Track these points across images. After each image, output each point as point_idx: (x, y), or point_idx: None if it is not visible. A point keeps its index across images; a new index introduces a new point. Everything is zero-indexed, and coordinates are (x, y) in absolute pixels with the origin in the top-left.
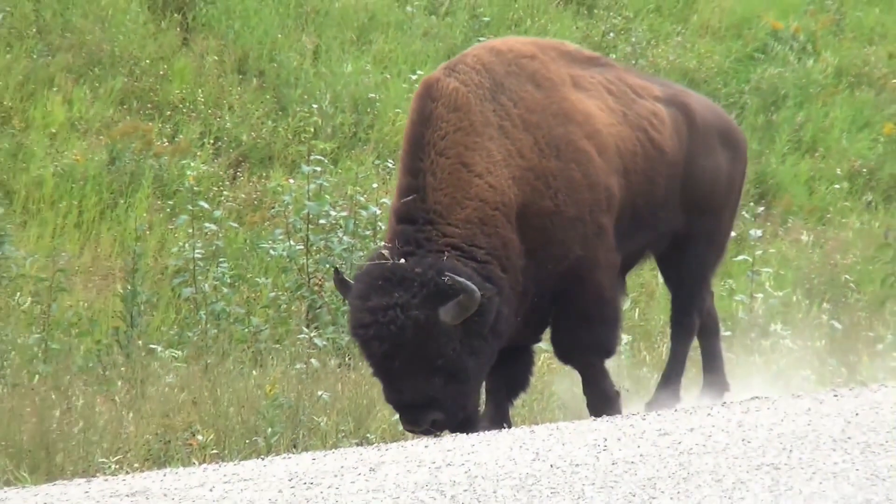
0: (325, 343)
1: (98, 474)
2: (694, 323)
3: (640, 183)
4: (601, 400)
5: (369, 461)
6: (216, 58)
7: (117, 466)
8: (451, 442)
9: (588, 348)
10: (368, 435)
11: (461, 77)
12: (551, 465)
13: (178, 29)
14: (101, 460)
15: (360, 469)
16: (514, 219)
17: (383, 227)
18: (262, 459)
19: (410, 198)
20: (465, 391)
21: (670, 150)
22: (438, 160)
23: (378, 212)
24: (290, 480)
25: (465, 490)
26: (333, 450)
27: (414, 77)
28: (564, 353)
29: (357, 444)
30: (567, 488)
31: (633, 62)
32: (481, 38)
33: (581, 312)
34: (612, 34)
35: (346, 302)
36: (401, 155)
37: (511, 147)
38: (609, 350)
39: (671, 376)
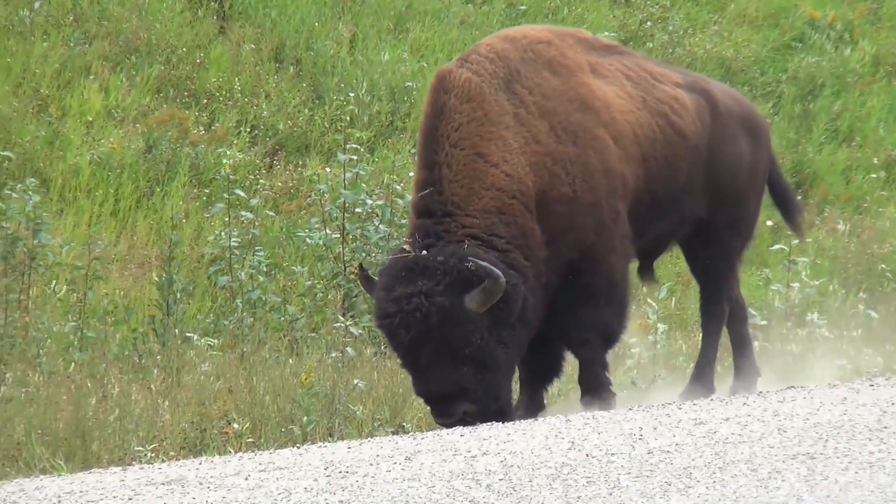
0: (360, 332)
1: (134, 462)
2: (723, 311)
3: (659, 169)
4: (593, 385)
5: (405, 450)
6: (253, 46)
7: (153, 455)
8: (487, 431)
9: (589, 328)
10: (404, 423)
11: (474, 67)
12: (587, 455)
13: (215, 17)
14: (136, 448)
15: (396, 458)
16: (533, 207)
17: None
18: (298, 448)
19: (427, 191)
20: (496, 381)
21: (692, 135)
22: (453, 152)
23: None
24: (325, 469)
25: (501, 479)
26: (369, 438)
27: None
28: (564, 332)
29: (393, 433)
30: (603, 477)
31: (670, 51)
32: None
33: (588, 293)
34: (648, 23)
35: (371, 297)
36: (417, 149)
37: (527, 134)
38: (611, 335)
39: (704, 365)
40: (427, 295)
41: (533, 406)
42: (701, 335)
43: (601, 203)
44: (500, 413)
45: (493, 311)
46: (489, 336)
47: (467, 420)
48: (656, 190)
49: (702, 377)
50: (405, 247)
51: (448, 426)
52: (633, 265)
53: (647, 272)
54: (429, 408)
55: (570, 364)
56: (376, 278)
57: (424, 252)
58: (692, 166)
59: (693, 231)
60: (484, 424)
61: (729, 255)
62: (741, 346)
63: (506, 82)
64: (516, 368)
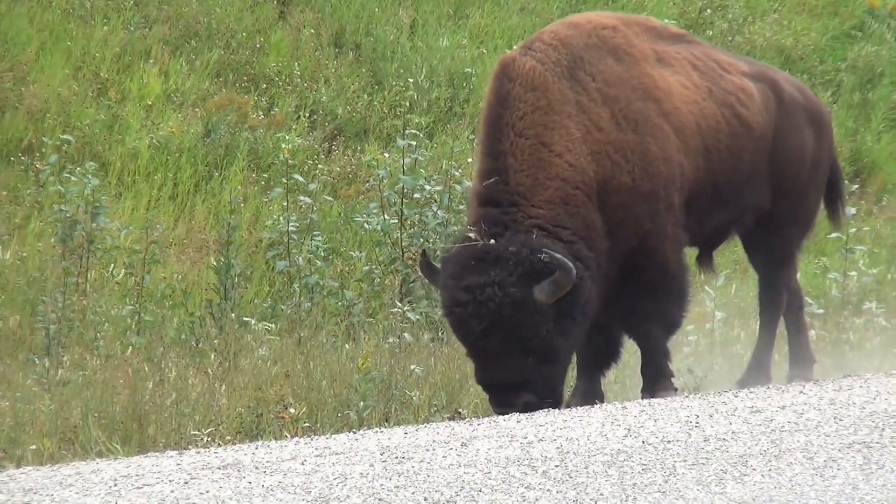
0: (418, 317)
1: (190, 446)
2: (782, 299)
3: (722, 160)
4: (655, 375)
5: (461, 436)
6: (312, 31)
7: (209, 439)
8: (544, 417)
9: (649, 319)
10: (460, 409)
11: (538, 55)
12: (643, 442)
13: (275, 2)
14: (193, 432)
15: (452, 444)
16: (594, 197)
17: None
18: (354, 433)
19: (492, 180)
20: (556, 373)
21: (758, 126)
22: (518, 141)
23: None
24: (381, 454)
25: (557, 465)
26: (425, 424)
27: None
28: (627, 323)
29: (449, 419)
30: (659, 465)
31: (730, 39)
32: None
33: (646, 285)
34: (708, 10)
35: (433, 285)
36: (480, 137)
37: (588, 122)
38: (671, 323)
39: (762, 354)
40: (500, 285)
41: (590, 392)
42: (759, 323)
43: (658, 192)
44: (555, 405)
45: (559, 302)
46: (554, 328)
47: (525, 410)
48: (718, 181)
49: (759, 365)
50: (471, 235)
51: (506, 414)
52: (692, 254)
53: (706, 261)
54: (489, 397)
55: (627, 350)
56: (438, 266)
57: (493, 241)
58: (756, 157)
59: (754, 221)
60: (540, 411)
61: (789, 245)
62: (797, 333)
63: (569, 70)
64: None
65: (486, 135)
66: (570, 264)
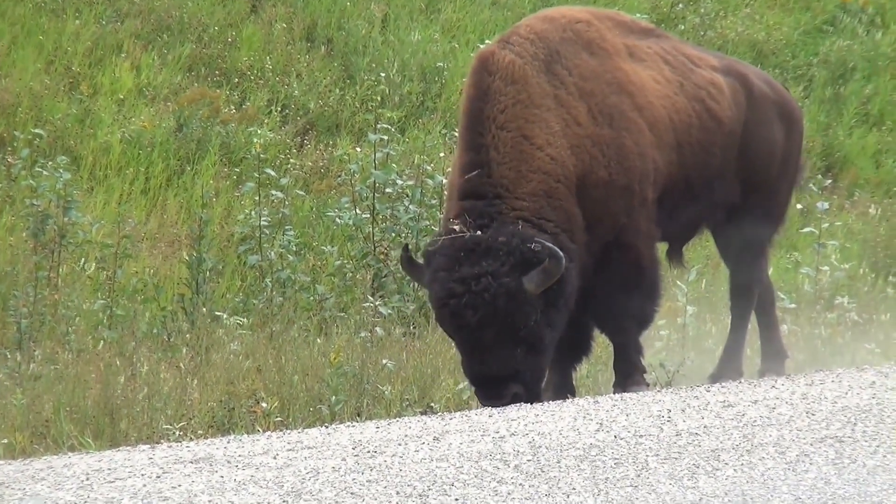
0: (390, 311)
1: (162, 441)
2: (753, 294)
3: (694, 155)
4: (628, 370)
5: (433, 430)
6: (284, 25)
7: (181, 433)
8: (516, 412)
9: (623, 314)
10: (432, 404)
11: (516, 49)
12: (615, 436)
13: None
14: (165, 427)
15: (424, 438)
16: (574, 191)
17: None
18: (327, 427)
19: (475, 173)
20: (542, 364)
21: (728, 121)
22: (500, 134)
23: (444, 181)
24: (353, 449)
25: (529, 460)
26: (397, 419)
27: (482, 46)
28: (600, 318)
29: (421, 413)
30: (631, 459)
31: (702, 34)
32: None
33: (619, 280)
34: (680, 5)
35: (415, 279)
36: (460, 131)
37: (567, 116)
38: (644, 319)
39: (733, 348)
40: (494, 276)
41: (562, 387)
42: (730, 318)
43: (633, 186)
44: (538, 398)
45: (547, 292)
46: (541, 318)
47: (512, 402)
48: (690, 176)
49: (731, 360)
50: (455, 227)
51: (493, 406)
52: (663, 248)
53: (676, 256)
54: (476, 390)
55: (599, 344)
56: (420, 261)
57: (479, 233)
58: (726, 152)
59: (725, 216)
60: (512, 406)
61: (760, 240)
62: (769, 328)
63: (546, 64)
64: None
65: (467, 129)
66: (560, 253)
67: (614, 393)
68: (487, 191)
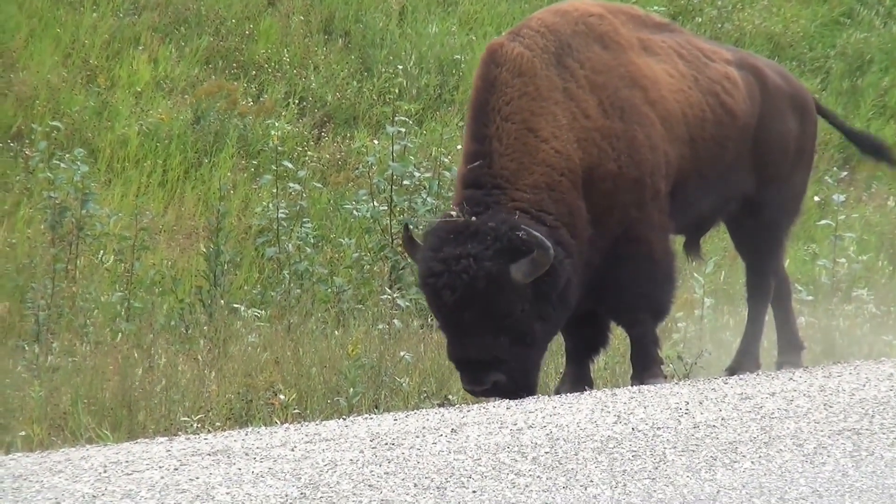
0: (407, 304)
1: (180, 433)
2: (770, 286)
3: (707, 149)
4: (645, 362)
5: (451, 422)
6: (302, 18)
7: (199, 425)
8: (534, 404)
9: (637, 307)
10: (450, 396)
11: (525, 42)
12: (633, 429)
13: None
14: (182, 419)
15: (442, 430)
16: (579, 185)
17: None
18: (344, 419)
19: (477, 164)
20: (530, 356)
21: (742, 114)
22: (504, 126)
23: None
24: (371, 441)
25: (547, 452)
26: (415, 411)
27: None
28: (614, 311)
29: (439, 406)
30: (649, 451)
31: (719, 26)
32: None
33: (632, 272)
34: None
35: (413, 259)
36: (466, 121)
37: (576, 109)
38: (659, 310)
39: (751, 340)
40: (476, 258)
41: (580, 379)
42: (747, 310)
43: (645, 179)
44: (528, 391)
45: (538, 284)
46: (530, 309)
47: (497, 391)
48: (703, 169)
49: (748, 352)
50: (452, 213)
51: (476, 395)
52: (679, 240)
53: (693, 247)
54: (459, 375)
55: (617, 336)
56: (421, 242)
57: (474, 218)
58: (740, 145)
59: (740, 208)
60: (531, 398)
61: (776, 232)
62: (785, 321)
63: (557, 56)
64: (563, 342)
65: (472, 119)
66: (548, 243)
67: (632, 385)
68: (487, 181)
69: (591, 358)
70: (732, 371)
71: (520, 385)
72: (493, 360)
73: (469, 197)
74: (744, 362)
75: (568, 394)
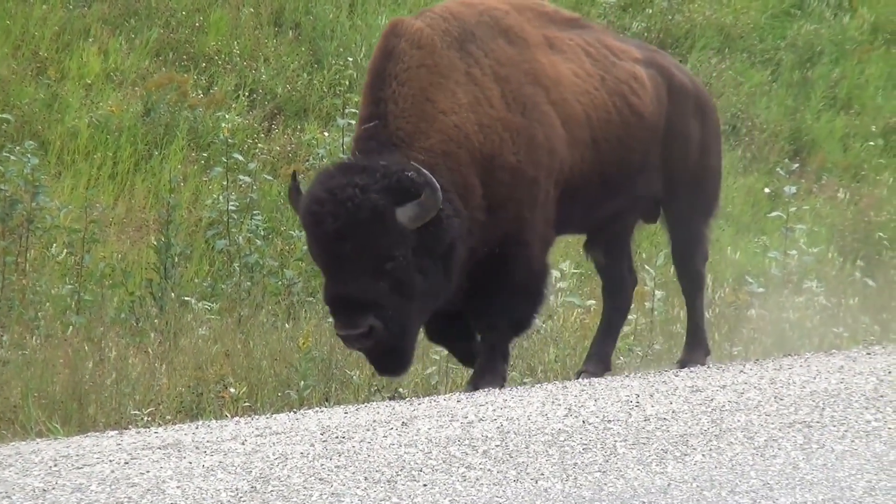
0: None
1: (130, 426)
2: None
3: (612, 151)
4: (488, 370)
5: (401, 416)
6: (252, 10)
7: (150, 418)
8: (484, 397)
9: (501, 313)
10: (401, 389)
11: (427, 20)
12: (583, 421)
13: None
14: (133, 412)
15: (393, 423)
16: (477, 166)
17: None
18: (295, 413)
19: (372, 124)
20: (408, 309)
21: (649, 115)
22: (400, 89)
23: None
24: (322, 434)
25: (498, 445)
26: (366, 404)
27: None
28: (478, 314)
29: (389, 399)
30: (599, 444)
31: (670, 18)
32: None
33: (506, 279)
34: None
35: (296, 209)
36: (363, 89)
37: (480, 94)
38: (521, 324)
39: (696, 331)
40: (362, 189)
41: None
42: (685, 303)
43: (540, 180)
44: (402, 354)
45: (423, 233)
46: (413, 259)
47: (371, 338)
48: (607, 171)
49: (696, 342)
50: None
51: (350, 340)
52: (581, 240)
53: (594, 247)
54: (334, 321)
55: (567, 329)
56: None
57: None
58: (648, 146)
59: (652, 209)
60: (480, 391)
61: (695, 232)
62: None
63: (459, 41)
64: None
65: (368, 85)
66: (437, 185)
67: (466, 390)
68: (383, 139)
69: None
70: (683, 364)
71: (395, 338)
72: (370, 303)
73: (363, 149)
74: (694, 354)
75: (517, 387)
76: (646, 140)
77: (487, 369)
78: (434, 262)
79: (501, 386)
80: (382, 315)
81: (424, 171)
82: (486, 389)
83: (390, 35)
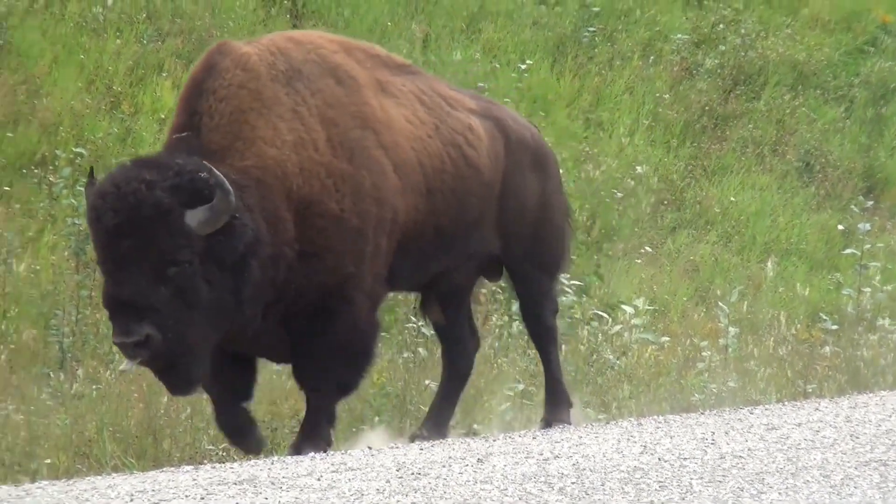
0: (432, 332)
1: (205, 461)
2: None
3: (447, 203)
4: (312, 433)
5: (477, 452)
6: None
7: (224, 453)
8: (560, 434)
9: (325, 377)
10: (476, 425)
11: (256, 49)
12: (659, 459)
13: (288, 16)
14: (208, 447)
15: (468, 460)
16: (293, 209)
17: None
18: (370, 448)
19: (184, 133)
20: (189, 320)
21: (486, 169)
22: (217, 105)
23: None
24: (398, 470)
25: (573, 482)
26: (441, 440)
27: (523, 66)
28: (299, 373)
29: (465, 435)
30: (675, 482)
31: (743, 54)
32: (591, 28)
33: (330, 338)
34: (721, 25)
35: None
36: (177, 101)
37: (305, 136)
38: (347, 387)
39: (556, 387)
40: (149, 185)
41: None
42: (541, 359)
43: (367, 232)
44: (186, 369)
45: (213, 241)
46: (200, 267)
47: (145, 348)
48: (441, 224)
49: (557, 397)
50: None
51: (126, 349)
52: (414, 300)
53: (430, 307)
54: (112, 327)
55: (642, 366)
56: None
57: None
58: (484, 202)
59: (497, 266)
60: (556, 429)
61: (539, 288)
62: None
63: (286, 76)
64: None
65: (185, 97)
66: (230, 189)
67: (288, 453)
68: (194, 149)
69: (242, 402)
70: (548, 423)
71: (175, 351)
72: (148, 309)
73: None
74: (557, 411)
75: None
76: (481, 195)
77: (311, 434)
78: (223, 274)
79: (325, 450)
80: (161, 324)
81: (217, 172)
82: (307, 451)
83: (216, 52)
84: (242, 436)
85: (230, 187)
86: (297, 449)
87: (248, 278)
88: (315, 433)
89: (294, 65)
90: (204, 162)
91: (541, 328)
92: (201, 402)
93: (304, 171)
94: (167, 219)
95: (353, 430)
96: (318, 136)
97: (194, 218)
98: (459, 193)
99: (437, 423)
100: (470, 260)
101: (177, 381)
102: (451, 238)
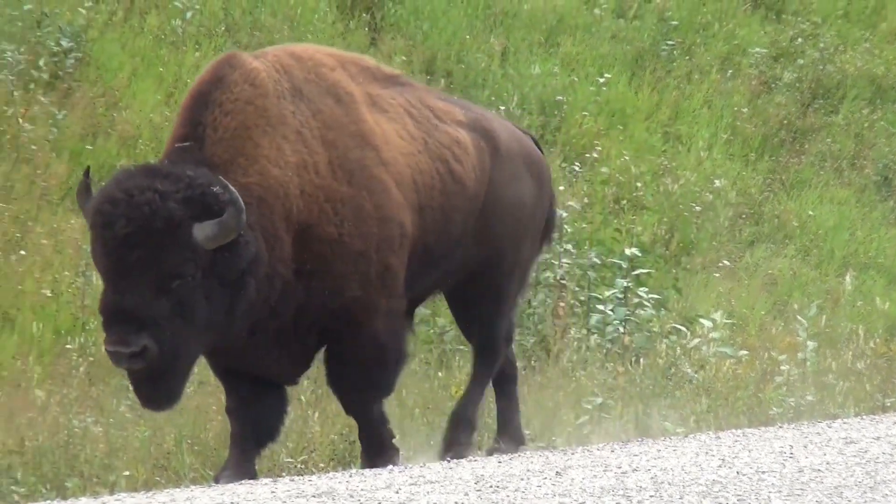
0: None
1: (284, 474)
2: (499, 351)
3: (434, 220)
4: (377, 447)
5: (555, 465)
6: (404, 58)
7: (302, 466)
8: (638, 447)
9: (363, 390)
10: (554, 438)
11: (264, 65)
12: (737, 472)
13: (367, 29)
14: (286, 460)
15: (546, 473)
16: (292, 232)
17: (570, 230)
18: (449, 461)
19: (186, 143)
20: (186, 335)
21: (471, 184)
22: (223, 119)
23: (565, 214)
24: (476, 483)
25: (652, 496)
26: (519, 453)
27: (602, 80)
28: (340, 394)
29: (543, 448)
30: (754, 495)
31: (821, 68)
32: (669, 42)
33: (354, 357)
34: (799, 39)
35: (84, 208)
36: (179, 111)
37: (308, 159)
38: (385, 388)
39: (467, 404)
40: (162, 196)
41: (242, 467)
42: (470, 378)
43: (370, 254)
44: (171, 383)
45: (217, 257)
46: (201, 281)
47: (140, 360)
48: (429, 242)
49: (461, 424)
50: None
51: (118, 358)
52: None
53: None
54: (105, 335)
55: (707, 377)
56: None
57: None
58: (468, 218)
59: (465, 278)
60: (634, 441)
61: (504, 300)
62: (508, 407)
63: (291, 95)
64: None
65: (188, 107)
66: (244, 207)
67: (361, 467)
68: (197, 160)
69: (258, 450)
70: (448, 445)
71: (168, 365)
72: (147, 321)
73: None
74: (458, 435)
75: (227, 482)
76: (466, 211)
77: (379, 447)
78: (222, 290)
79: (395, 457)
80: (159, 337)
81: (232, 188)
82: (382, 463)
83: (224, 64)
84: (234, 471)
85: (242, 204)
86: (372, 462)
87: (244, 296)
88: (378, 442)
89: (296, 83)
90: (219, 177)
91: (488, 344)
92: None
93: (304, 195)
94: (177, 232)
95: (432, 442)
96: (320, 159)
97: (202, 232)
98: (446, 210)
99: (508, 431)
100: (450, 275)
101: (158, 395)
102: (437, 255)
